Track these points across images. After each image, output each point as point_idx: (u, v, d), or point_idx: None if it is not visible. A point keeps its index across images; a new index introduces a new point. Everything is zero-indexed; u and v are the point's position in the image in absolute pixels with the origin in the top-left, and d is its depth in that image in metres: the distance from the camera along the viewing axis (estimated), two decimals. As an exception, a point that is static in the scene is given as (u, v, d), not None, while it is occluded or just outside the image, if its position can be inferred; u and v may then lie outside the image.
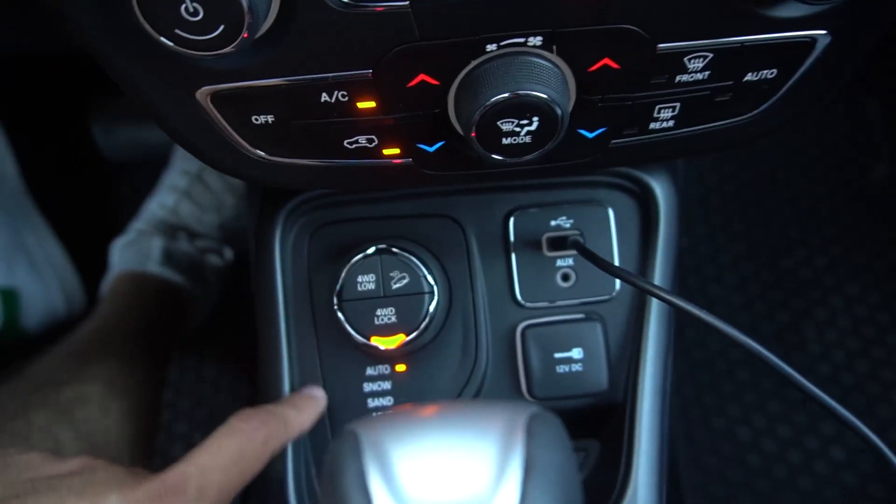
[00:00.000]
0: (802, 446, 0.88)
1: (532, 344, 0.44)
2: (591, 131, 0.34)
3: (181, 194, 0.85)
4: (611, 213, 0.44)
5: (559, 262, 0.44)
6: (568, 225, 0.44)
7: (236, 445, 0.31)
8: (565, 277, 0.45)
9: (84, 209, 1.00)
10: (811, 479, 0.86)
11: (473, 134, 0.30)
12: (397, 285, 0.41)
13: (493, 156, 0.32)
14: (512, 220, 0.44)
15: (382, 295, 0.41)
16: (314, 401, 0.41)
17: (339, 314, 0.42)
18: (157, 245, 0.79)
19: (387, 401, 0.44)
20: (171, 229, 0.82)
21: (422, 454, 0.18)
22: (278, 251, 0.45)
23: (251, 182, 0.36)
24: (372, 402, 0.44)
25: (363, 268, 0.42)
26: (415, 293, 0.41)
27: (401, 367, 0.44)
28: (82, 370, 0.59)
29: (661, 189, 0.44)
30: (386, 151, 0.34)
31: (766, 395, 0.91)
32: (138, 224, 0.83)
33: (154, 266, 0.77)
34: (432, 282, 0.42)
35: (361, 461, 0.18)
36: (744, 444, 0.89)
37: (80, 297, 0.97)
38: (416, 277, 0.42)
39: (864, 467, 0.86)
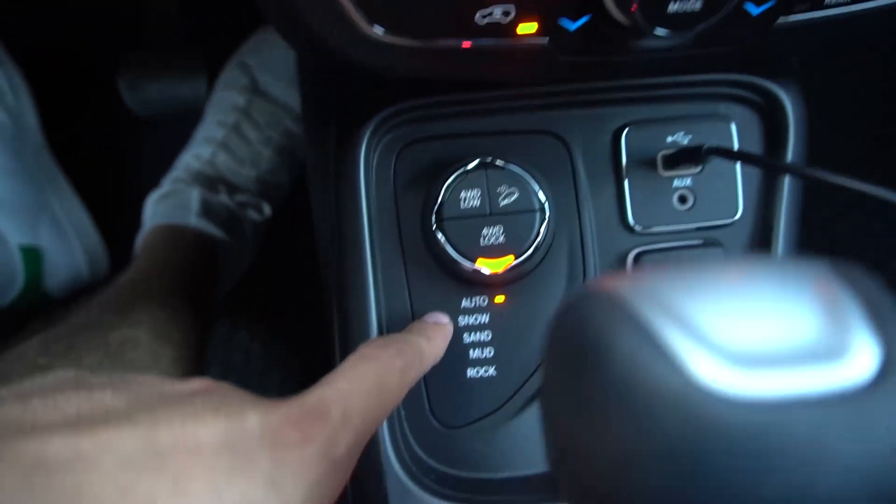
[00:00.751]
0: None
1: (648, 272, 0.39)
2: (759, 4, 0.29)
3: (217, 146, 0.80)
4: (733, 128, 0.40)
5: (676, 183, 0.40)
6: (686, 141, 0.40)
7: (375, 373, 0.26)
8: (682, 200, 0.40)
9: (107, 167, 0.95)
10: None
11: (635, 7, 0.26)
12: (505, 202, 0.37)
13: (656, 29, 0.27)
14: (624, 135, 0.40)
15: (489, 213, 0.37)
16: (443, 328, 0.36)
17: (440, 235, 0.37)
18: (195, 196, 0.74)
19: (485, 335, 0.40)
20: (209, 181, 0.77)
21: (720, 298, 0.14)
22: (362, 173, 0.40)
23: (359, 66, 0.31)
24: (468, 338, 0.40)
25: (467, 183, 0.37)
26: (525, 210, 0.37)
27: (499, 299, 0.40)
28: (128, 315, 0.55)
29: (790, 100, 0.39)
30: (521, 29, 0.29)
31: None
32: (173, 176, 0.79)
33: (193, 218, 0.73)
34: (543, 198, 0.37)
35: (638, 316, 0.14)
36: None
37: (103, 259, 0.92)
38: (526, 193, 0.37)
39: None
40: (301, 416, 0.22)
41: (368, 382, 0.26)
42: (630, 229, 0.40)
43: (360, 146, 0.40)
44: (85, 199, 0.91)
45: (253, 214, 0.81)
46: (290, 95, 0.85)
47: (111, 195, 0.93)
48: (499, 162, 0.37)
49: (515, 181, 0.37)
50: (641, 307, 0.14)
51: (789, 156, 0.40)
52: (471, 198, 0.37)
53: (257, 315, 0.92)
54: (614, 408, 0.14)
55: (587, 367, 0.15)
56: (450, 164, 0.39)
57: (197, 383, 0.23)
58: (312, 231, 0.89)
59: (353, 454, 0.24)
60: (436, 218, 0.37)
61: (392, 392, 0.28)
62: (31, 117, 0.87)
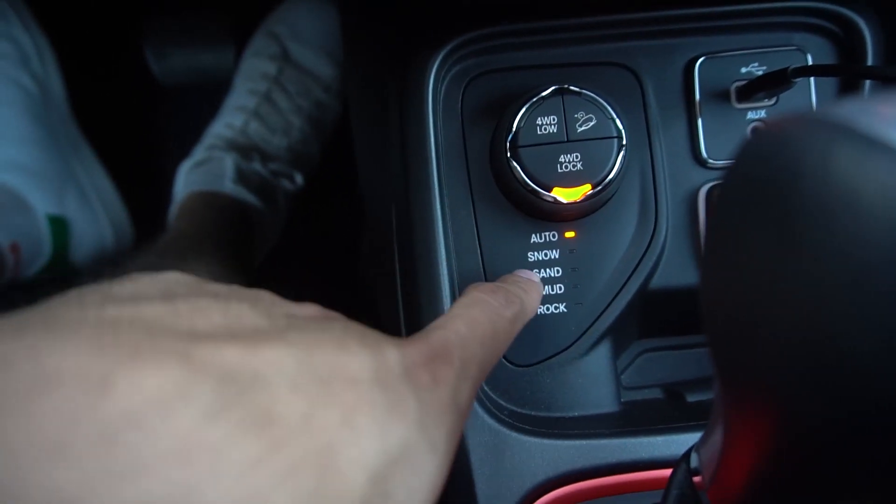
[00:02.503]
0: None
1: (723, 204, 0.38)
2: None
3: (249, 114, 0.79)
4: (809, 59, 0.39)
5: (750, 115, 0.39)
6: (760, 72, 0.39)
7: (489, 321, 0.25)
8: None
9: (130, 136, 0.94)
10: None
11: None
12: (583, 128, 0.36)
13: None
14: (698, 66, 0.39)
15: (566, 139, 0.36)
16: (536, 284, 0.33)
17: (515, 164, 0.36)
18: (229, 164, 0.74)
19: (555, 271, 0.39)
20: (242, 150, 0.77)
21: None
22: (430, 106, 0.39)
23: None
24: (538, 274, 0.39)
25: (543, 109, 0.36)
26: (603, 137, 0.36)
27: (570, 234, 0.39)
28: (185, 263, 0.54)
29: (868, 28, 0.39)
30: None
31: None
32: (206, 144, 0.78)
33: (228, 184, 0.72)
34: (620, 125, 0.37)
35: (859, 126, 0.13)
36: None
37: (128, 231, 0.91)
38: (603, 120, 0.36)
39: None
40: (430, 358, 0.21)
41: (483, 329, 0.24)
42: (702, 163, 0.40)
43: (429, 78, 0.39)
44: (108, 169, 0.90)
45: (286, 184, 0.80)
46: (318, 64, 0.84)
47: (134, 165, 0.92)
48: (575, 88, 0.36)
49: (592, 107, 0.36)
50: (861, 119, 0.13)
51: (867, 87, 0.39)
52: (547, 124, 0.36)
53: (284, 290, 0.91)
54: (843, 223, 0.13)
55: (798, 186, 0.14)
56: (520, 96, 0.38)
57: (313, 309, 0.21)
58: (338, 202, 0.88)
59: (469, 405, 0.22)
60: (510, 146, 0.36)
61: (502, 342, 0.26)
62: (57, 85, 0.86)
